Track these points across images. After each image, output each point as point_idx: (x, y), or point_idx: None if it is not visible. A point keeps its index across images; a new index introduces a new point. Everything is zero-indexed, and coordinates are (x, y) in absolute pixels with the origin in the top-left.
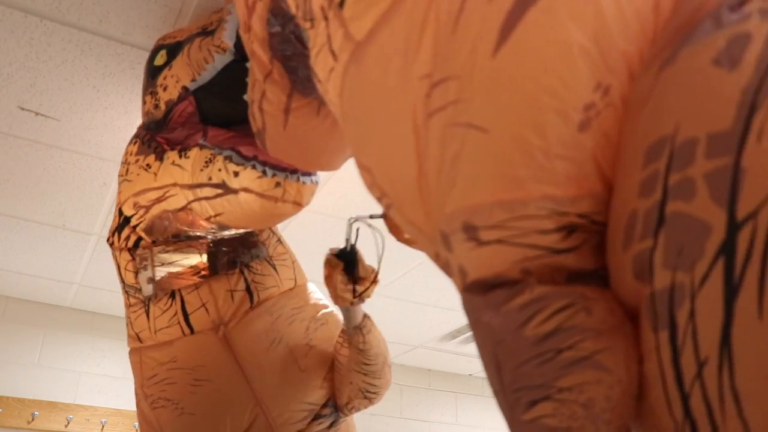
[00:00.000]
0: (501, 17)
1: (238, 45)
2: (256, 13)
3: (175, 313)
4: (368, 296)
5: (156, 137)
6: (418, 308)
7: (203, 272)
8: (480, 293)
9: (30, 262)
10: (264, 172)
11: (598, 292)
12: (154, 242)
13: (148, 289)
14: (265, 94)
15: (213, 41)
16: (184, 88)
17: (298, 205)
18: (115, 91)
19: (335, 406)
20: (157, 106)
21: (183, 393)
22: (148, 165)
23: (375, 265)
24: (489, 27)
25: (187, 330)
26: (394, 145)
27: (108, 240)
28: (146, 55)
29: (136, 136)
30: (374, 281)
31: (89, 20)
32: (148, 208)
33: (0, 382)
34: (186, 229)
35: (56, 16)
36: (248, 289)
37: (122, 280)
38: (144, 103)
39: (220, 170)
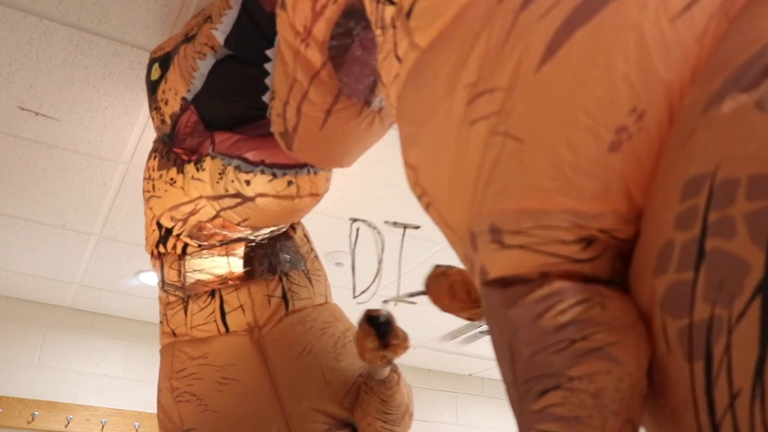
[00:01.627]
0: (549, 35)
1: (232, 40)
2: (323, 16)
3: (213, 311)
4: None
5: (172, 149)
6: (418, 308)
7: (230, 282)
8: (500, 288)
9: (30, 262)
10: (274, 175)
11: (613, 291)
12: (200, 246)
13: (192, 287)
14: (307, 95)
15: (194, 47)
16: (183, 99)
17: (316, 195)
18: (115, 91)
19: (354, 429)
20: (163, 121)
21: (209, 390)
22: (172, 180)
23: (375, 266)
24: (536, 43)
25: (222, 329)
26: (437, 147)
27: (151, 252)
28: (146, 55)
29: (153, 150)
30: (405, 346)
31: (89, 20)
32: (185, 221)
33: (0, 382)
34: (226, 233)
35: (56, 16)
36: (284, 297)
37: (163, 280)
38: (152, 118)
39: (233, 181)
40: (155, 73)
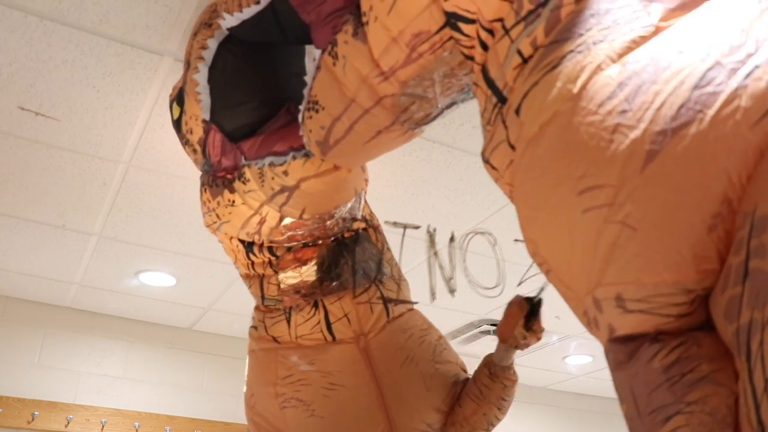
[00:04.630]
0: (647, 144)
1: (241, 29)
2: (417, 63)
3: (318, 322)
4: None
5: (217, 175)
6: (418, 308)
7: (303, 291)
8: (621, 344)
9: (30, 262)
10: (306, 156)
11: (703, 332)
12: (288, 248)
13: (273, 291)
14: (364, 116)
15: (189, 72)
16: (204, 121)
17: (349, 169)
18: (115, 91)
19: None
20: (195, 151)
21: (316, 395)
22: (231, 201)
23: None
24: (638, 149)
25: (329, 338)
26: (554, 228)
27: (246, 269)
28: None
29: (202, 185)
30: (540, 336)
31: (89, 20)
32: (259, 233)
33: (0, 382)
34: (301, 232)
35: (56, 16)
36: (385, 303)
37: (262, 296)
38: (188, 154)
39: (273, 178)
40: (176, 113)
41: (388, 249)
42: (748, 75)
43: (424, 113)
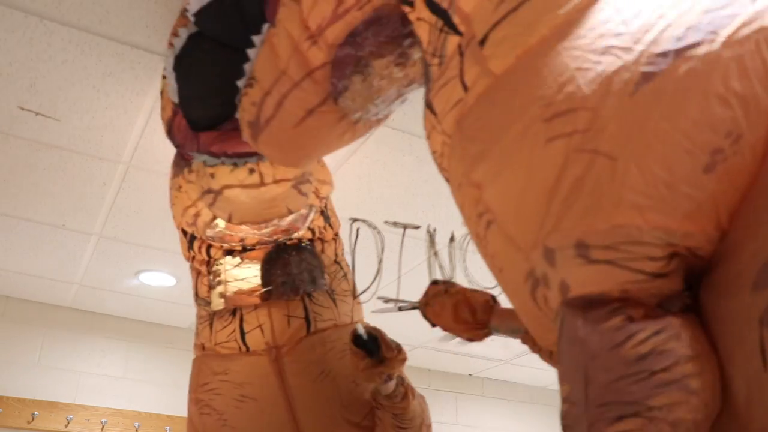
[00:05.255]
0: (643, 65)
1: (205, 16)
2: (343, 20)
3: (233, 330)
4: (397, 373)
5: (183, 156)
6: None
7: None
8: (579, 309)
9: (30, 262)
10: (235, 164)
11: (682, 319)
12: (225, 250)
13: (218, 303)
14: (293, 90)
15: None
16: (173, 103)
17: (283, 182)
18: (115, 91)
19: None
20: (165, 128)
21: (228, 406)
22: (179, 186)
23: (375, 266)
24: (631, 70)
25: (243, 347)
26: (508, 164)
27: (188, 259)
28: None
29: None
30: (400, 358)
31: (89, 20)
32: (195, 224)
33: (0, 382)
34: (233, 234)
35: (56, 16)
36: (307, 318)
37: (196, 293)
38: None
39: (203, 177)
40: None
41: (337, 263)
42: None
43: (363, 97)
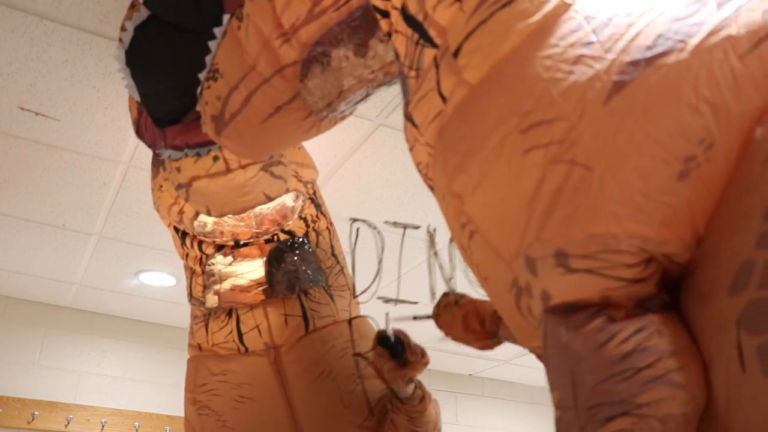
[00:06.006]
0: (615, 73)
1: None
2: (319, 20)
3: (231, 331)
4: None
5: (156, 153)
6: (418, 308)
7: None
8: (561, 315)
9: (30, 262)
10: (198, 154)
11: (662, 317)
12: (217, 245)
13: (213, 301)
14: (262, 86)
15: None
16: (138, 102)
17: (249, 166)
18: (115, 91)
19: None
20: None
21: (227, 407)
22: (160, 186)
23: (375, 266)
24: (603, 79)
25: (242, 348)
26: (487, 175)
27: (181, 256)
28: None
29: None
30: (424, 362)
31: (89, 20)
32: (182, 221)
33: (0, 382)
34: (219, 229)
35: (56, 16)
36: (304, 316)
37: (190, 293)
38: None
39: (171, 172)
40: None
41: (333, 256)
42: (738, 7)
43: (323, 89)
